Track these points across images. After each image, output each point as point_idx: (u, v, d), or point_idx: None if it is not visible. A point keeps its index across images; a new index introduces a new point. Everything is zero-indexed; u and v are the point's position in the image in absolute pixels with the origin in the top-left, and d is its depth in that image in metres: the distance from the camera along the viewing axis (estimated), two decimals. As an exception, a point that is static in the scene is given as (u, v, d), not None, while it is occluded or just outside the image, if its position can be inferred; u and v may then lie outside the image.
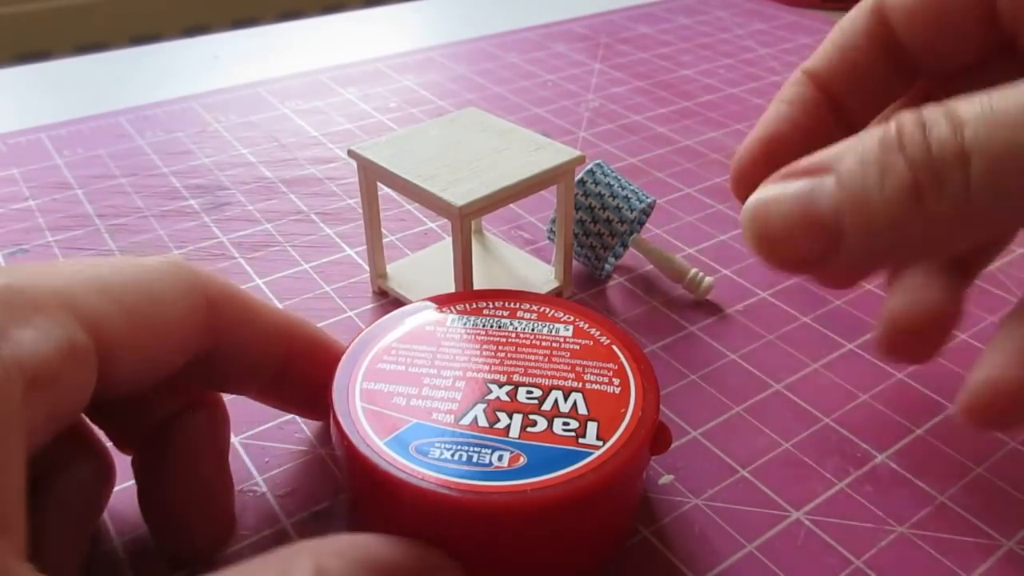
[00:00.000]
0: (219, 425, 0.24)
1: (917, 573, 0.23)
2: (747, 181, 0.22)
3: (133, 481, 0.23)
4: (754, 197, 0.18)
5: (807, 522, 0.25)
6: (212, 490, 0.23)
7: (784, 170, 0.18)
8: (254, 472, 0.26)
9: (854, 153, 0.16)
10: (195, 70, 0.57)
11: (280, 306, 0.25)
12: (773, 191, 0.17)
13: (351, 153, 0.31)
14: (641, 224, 0.36)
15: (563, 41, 0.62)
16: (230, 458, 0.24)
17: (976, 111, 0.15)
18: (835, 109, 0.23)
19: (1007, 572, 0.23)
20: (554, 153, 0.31)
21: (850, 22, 0.22)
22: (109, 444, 0.24)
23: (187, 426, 0.23)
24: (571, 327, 0.26)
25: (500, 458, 0.21)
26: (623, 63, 0.58)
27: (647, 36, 0.64)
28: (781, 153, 0.22)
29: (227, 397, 0.29)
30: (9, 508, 0.15)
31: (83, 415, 0.22)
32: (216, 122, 0.49)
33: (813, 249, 0.17)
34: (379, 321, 0.26)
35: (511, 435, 0.21)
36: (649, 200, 0.34)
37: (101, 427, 0.23)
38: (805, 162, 0.17)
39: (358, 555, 0.18)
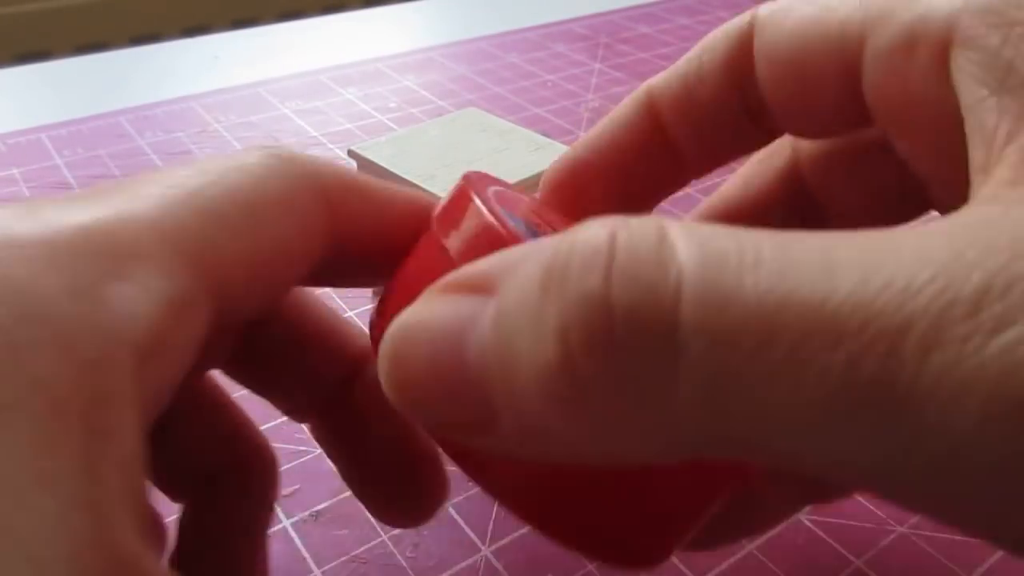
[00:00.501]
0: (262, 498, 0.20)
1: (917, 573, 0.23)
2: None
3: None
4: (398, 320, 0.12)
5: (807, 522, 0.25)
6: (418, 437, 0.19)
7: (446, 278, 0.12)
8: (254, 472, 0.26)
9: (522, 272, 0.11)
10: (195, 70, 0.57)
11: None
12: (420, 313, 0.12)
13: (351, 153, 0.31)
14: (641, 224, 0.36)
15: (563, 41, 0.62)
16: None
17: (714, 257, 0.10)
18: (671, 147, 0.18)
19: (1007, 572, 0.23)
20: (554, 153, 0.31)
21: (710, 46, 0.18)
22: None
23: (231, 490, 0.19)
24: None
25: None
26: (623, 63, 0.58)
27: (647, 36, 0.64)
28: (591, 188, 0.18)
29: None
30: (137, 498, 0.12)
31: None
32: (216, 122, 0.49)
33: (460, 414, 0.12)
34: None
35: None
36: (649, 200, 0.34)
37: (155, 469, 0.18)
38: (471, 271, 0.12)
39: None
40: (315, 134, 0.48)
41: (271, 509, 0.20)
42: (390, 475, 0.19)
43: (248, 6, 1.52)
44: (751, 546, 0.24)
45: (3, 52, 1.32)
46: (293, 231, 0.16)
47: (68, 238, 0.12)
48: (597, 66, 0.58)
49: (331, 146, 0.46)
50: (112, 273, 0.12)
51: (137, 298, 0.13)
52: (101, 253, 0.13)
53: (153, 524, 0.16)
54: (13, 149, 0.46)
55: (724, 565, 0.23)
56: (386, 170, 0.30)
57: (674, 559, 0.23)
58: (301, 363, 0.19)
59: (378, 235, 0.18)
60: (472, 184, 0.16)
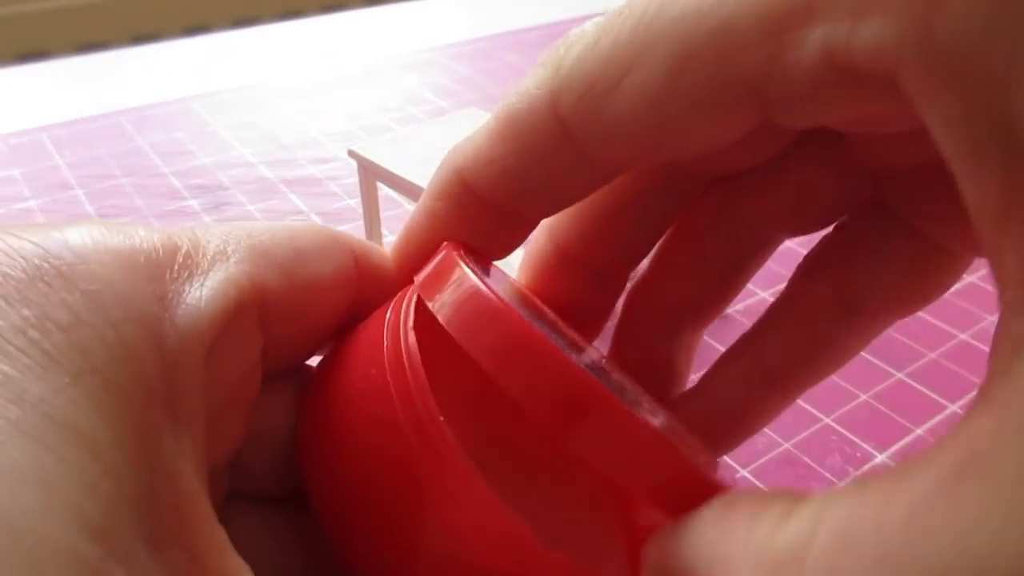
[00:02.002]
0: None
1: (917, 573, 0.23)
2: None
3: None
4: None
5: (807, 522, 0.25)
6: None
7: None
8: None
9: None
10: (195, 70, 0.57)
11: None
12: None
13: (351, 153, 0.31)
14: (641, 224, 0.36)
15: (563, 41, 0.62)
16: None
17: None
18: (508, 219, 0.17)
19: (1007, 572, 0.23)
20: (554, 153, 0.31)
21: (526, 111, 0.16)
22: None
23: None
24: None
25: None
26: (623, 63, 0.58)
27: (647, 36, 0.64)
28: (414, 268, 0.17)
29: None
30: (202, 467, 0.14)
31: None
32: (216, 122, 0.49)
33: None
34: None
35: None
36: (649, 200, 0.34)
37: None
38: None
39: None
40: (315, 134, 0.48)
41: None
42: None
43: (248, 6, 1.52)
44: (751, 546, 0.24)
45: (3, 52, 1.32)
46: (327, 280, 0.17)
47: (149, 248, 0.14)
48: (597, 66, 0.58)
49: (331, 146, 0.46)
50: (185, 278, 0.14)
51: (210, 297, 0.14)
52: (171, 262, 0.14)
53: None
54: (14, 149, 0.46)
55: (724, 565, 0.23)
56: (386, 170, 0.30)
57: (674, 559, 0.23)
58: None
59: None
60: (453, 251, 0.15)
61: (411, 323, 0.14)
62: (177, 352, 0.13)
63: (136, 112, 0.50)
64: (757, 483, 0.26)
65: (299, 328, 0.17)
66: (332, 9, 1.55)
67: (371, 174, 0.31)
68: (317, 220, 0.39)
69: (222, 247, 0.16)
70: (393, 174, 0.30)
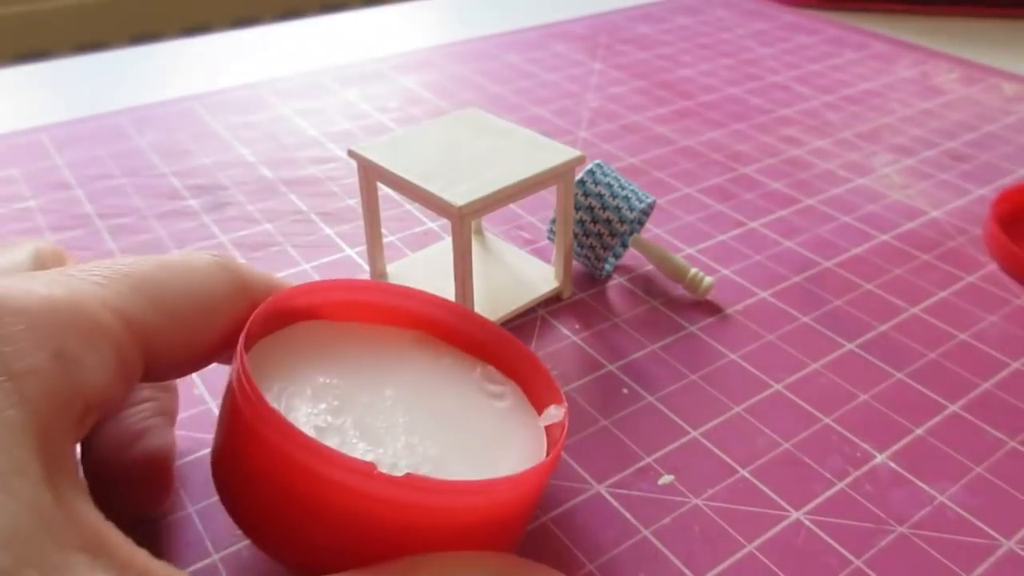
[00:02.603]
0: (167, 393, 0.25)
1: (917, 573, 0.23)
2: None
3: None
4: None
5: (807, 522, 0.25)
6: (149, 450, 0.23)
7: None
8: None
9: None
10: (195, 70, 0.57)
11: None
12: None
13: (351, 153, 0.31)
14: (641, 224, 0.36)
15: (563, 41, 0.62)
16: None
17: None
18: None
19: (1007, 572, 0.23)
20: (554, 153, 0.31)
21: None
22: None
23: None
24: None
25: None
26: (623, 63, 0.58)
27: (647, 36, 0.64)
28: None
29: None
30: (83, 490, 0.17)
31: None
32: (216, 122, 0.49)
33: None
34: None
35: None
36: (649, 200, 0.34)
37: None
38: None
39: (489, 567, 0.18)
40: (315, 134, 0.48)
41: None
42: (120, 477, 0.23)
43: (248, 6, 1.51)
44: (751, 546, 0.24)
45: (3, 52, 1.32)
46: (219, 323, 0.21)
47: (48, 309, 0.17)
48: (597, 66, 0.58)
49: (331, 146, 0.46)
50: (85, 344, 0.18)
51: (97, 366, 0.18)
52: (77, 327, 0.18)
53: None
54: (13, 149, 0.46)
55: (724, 565, 0.23)
56: (386, 170, 0.30)
57: (674, 559, 0.23)
58: None
59: None
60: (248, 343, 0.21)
61: (244, 347, 0.20)
62: (62, 401, 0.17)
63: (136, 112, 0.50)
64: (757, 483, 0.26)
65: (182, 355, 0.21)
66: (332, 9, 1.55)
67: (371, 174, 0.31)
68: (317, 220, 0.39)
69: (112, 298, 0.19)
70: (393, 174, 0.30)
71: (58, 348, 0.17)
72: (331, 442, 0.20)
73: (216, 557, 0.23)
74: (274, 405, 0.20)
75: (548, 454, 0.23)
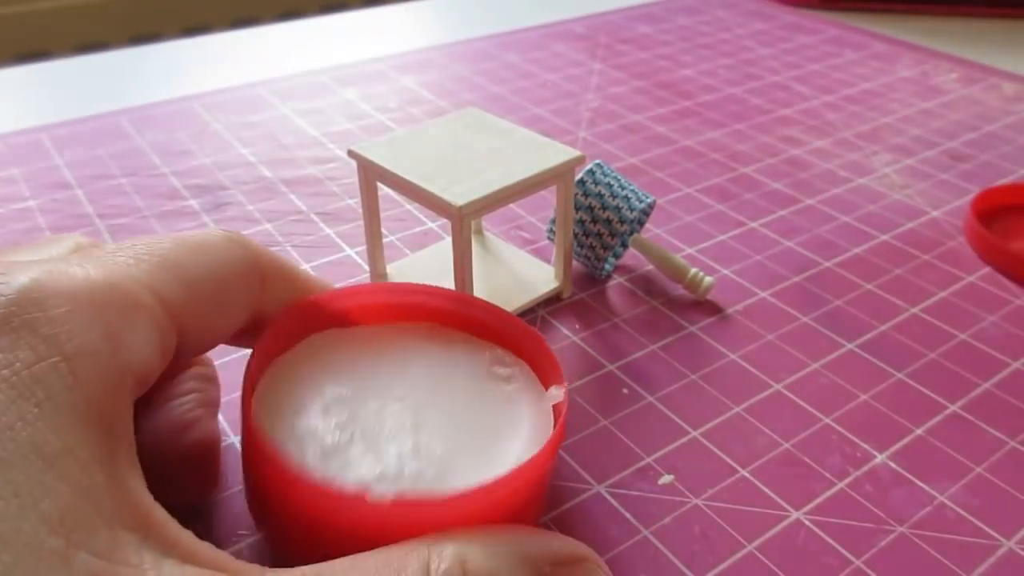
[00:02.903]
0: (207, 379, 0.25)
1: (917, 573, 0.23)
2: None
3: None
4: None
5: (807, 522, 0.25)
6: (197, 440, 0.24)
7: None
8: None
9: None
10: (195, 70, 0.57)
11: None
12: None
13: (351, 153, 0.31)
14: (641, 224, 0.36)
15: (563, 41, 0.62)
16: (230, 452, 0.24)
17: None
18: None
19: (1007, 572, 0.23)
20: (554, 153, 0.31)
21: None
22: None
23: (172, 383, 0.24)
24: None
25: None
26: (623, 63, 0.58)
27: (647, 36, 0.64)
28: None
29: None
30: (134, 468, 0.17)
31: None
32: (216, 122, 0.49)
33: None
34: None
35: None
36: (649, 200, 0.34)
37: None
38: None
39: (503, 546, 0.18)
40: (315, 134, 0.48)
41: None
42: (169, 467, 0.24)
43: (248, 6, 1.51)
44: (751, 546, 0.24)
45: (3, 52, 1.32)
46: (234, 296, 0.22)
47: (93, 292, 0.18)
48: (597, 66, 0.58)
49: (331, 146, 0.46)
50: (126, 324, 0.18)
51: (142, 345, 0.18)
52: (116, 305, 0.18)
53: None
54: (13, 149, 0.46)
55: (724, 565, 0.23)
56: (386, 170, 0.30)
57: (674, 559, 0.23)
58: None
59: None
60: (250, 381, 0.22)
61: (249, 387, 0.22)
62: (116, 380, 0.17)
63: (136, 112, 0.50)
64: (757, 483, 0.26)
65: (204, 336, 0.21)
66: (332, 9, 1.55)
67: (371, 174, 0.31)
68: (317, 220, 0.39)
69: (145, 277, 0.19)
70: (393, 174, 0.30)
71: (107, 327, 0.17)
72: (335, 462, 0.21)
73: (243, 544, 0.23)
74: (287, 424, 0.22)
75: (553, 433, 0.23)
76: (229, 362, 0.30)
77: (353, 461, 0.22)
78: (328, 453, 0.22)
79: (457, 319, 0.26)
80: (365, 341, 0.26)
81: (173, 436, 0.23)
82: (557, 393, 0.24)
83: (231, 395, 0.28)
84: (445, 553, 0.17)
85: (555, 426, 0.23)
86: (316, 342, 0.25)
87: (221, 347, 0.28)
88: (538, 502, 0.23)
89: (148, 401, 0.24)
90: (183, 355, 0.21)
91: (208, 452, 0.24)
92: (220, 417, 0.28)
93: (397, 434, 0.23)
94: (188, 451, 0.23)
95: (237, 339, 0.24)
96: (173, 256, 0.20)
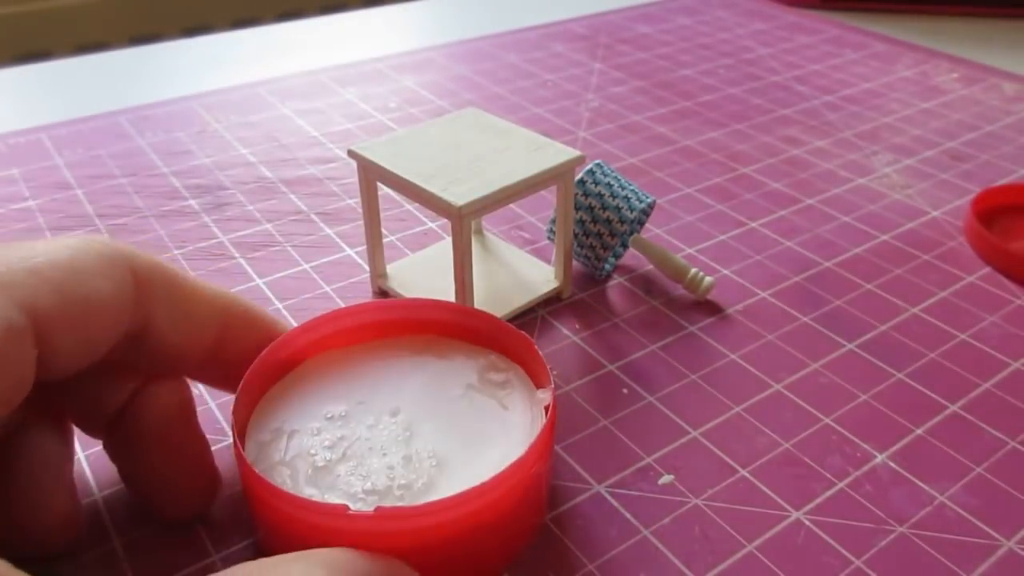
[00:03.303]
0: (179, 394, 0.23)
1: (917, 573, 0.23)
2: None
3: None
4: None
5: (807, 522, 0.25)
6: (184, 454, 0.23)
7: None
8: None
9: None
10: (195, 70, 0.57)
11: (215, 292, 0.25)
12: None
13: (351, 153, 0.31)
14: (641, 224, 0.36)
15: (563, 41, 0.62)
16: (225, 456, 0.24)
17: None
18: None
19: (1007, 572, 0.23)
20: (554, 153, 0.31)
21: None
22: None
23: (146, 401, 0.23)
24: None
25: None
26: (623, 63, 0.58)
27: (647, 36, 0.64)
28: None
29: (223, 396, 0.29)
30: None
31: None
32: (216, 122, 0.49)
33: None
34: None
35: None
36: (649, 200, 0.34)
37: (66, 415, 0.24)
38: None
39: (341, 565, 0.19)
40: (315, 134, 0.48)
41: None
42: (165, 474, 0.23)
43: (248, 6, 1.51)
44: (751, 546, 0.24)
45: (3, 52, 1.32)
46: (103, 296, 0.20)
47: None
48: (597, 66, 0.58)
49: (331, 146, 0.46)
50: None
51: None
52: None
53: None
54: (13, 149, 0.46)
55: (724, 565, 0.23)
56: (386, 170, 0.30)
57: (674, 559, 0.23)
58: (88, 395, 0.23)
59: (183, 317, 0.23)
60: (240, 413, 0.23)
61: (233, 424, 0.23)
62: None
63: (136, 112, 0.50)
64: (757, 483, 0.26)
65: (75, 340, 0.20)
66: (332, 9, 1.55)
67: (371, 174, 0.31)
68: (317, 220, 0.39)
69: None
70: (393, 174, 0.30)
71: None
72: (325, 481, 0.22)
73: (216, 557, 0.23)
74: (280, 447, 0.23)
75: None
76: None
77: (342, 478, 0.22)
78: (319, 472, 0.22)
79: (454, 329, 0.27)
80: (363, 358, 0.26)
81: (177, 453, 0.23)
82: (544, 396, 0.24)
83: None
84: (294, 570, 0.18)
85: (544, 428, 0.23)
86: (316, 363, 0.26)
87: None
88: (532, 504, 0.23)
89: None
90: (56, 364, 0.20)
91: (68, 524, 0.22)
92: (219, 416, 0.28)
93: (389, 447, 0.23)
94: (188, 468, 0.24)
95: (199, 370, 0.24)
96: (26, 254, 0.20)
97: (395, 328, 0.27)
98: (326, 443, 0.23)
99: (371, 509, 0.20)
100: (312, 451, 0.23)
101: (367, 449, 0.23)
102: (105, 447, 0.24)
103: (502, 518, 0.22)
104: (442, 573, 0.21)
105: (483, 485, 0.20)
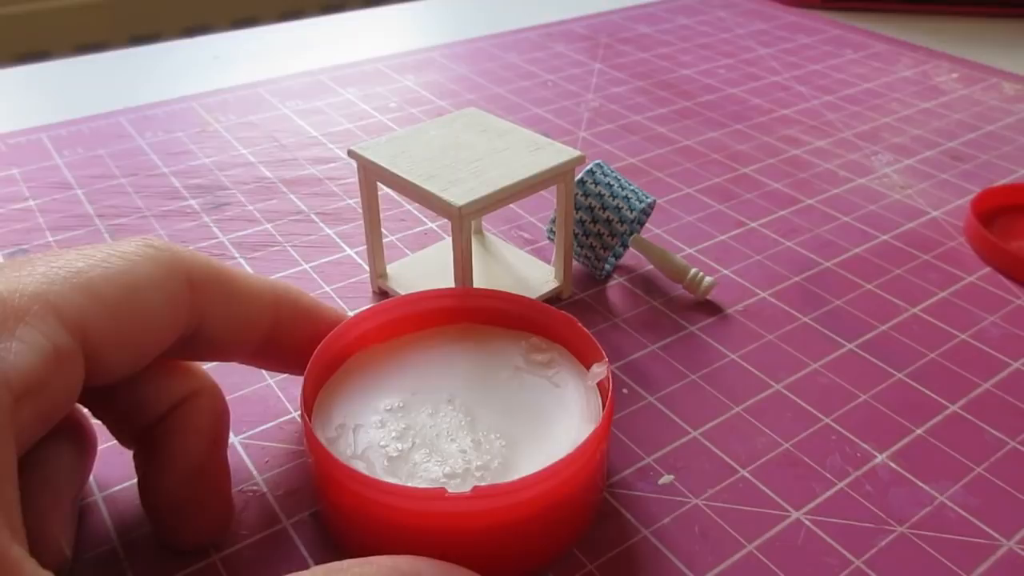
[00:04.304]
0: (215, 415, 0.23)
1: (917, 573, 0.23)
2: None
3: (135, 480, 0.23)
4: None
5: (807, 522, 0.25)
6: (207, 478, 0.23)
7: None
8: (254, 472, 0.26)
9: None
10: (195, 70, 0.57)
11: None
12: None
13: (351, 153, 0.31)
14: (641, 224, 0.36)
15: (563, 41, 0.62)
16: (231, 456, 0.24)
17: None
18: None
19: (1007, 572, 0.23)
20: (554, 153, 0.31)
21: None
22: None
23: (183, 416, 0.22)
24: None
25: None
26: (623, 63, 0.58)
27: (647, 36, 0.64)
28: None
29: (229, 397, 0.29)
30: (5, 498, 0.16)
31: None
32: (216, 122, 0.49)
33: None
34: None
35: None
36: (649, 200, 0.34)
37: (102, 421, 0.23)
38: None
39: (405, 570, 0.19)
40: (315, 134, 0.48)
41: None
42: (181, 497, 0.22)
43: (248, 6, 1.51)
44: (751, 546, 0.24)
45: (3, 52, 1.32)
46: (156, 308, 0.20)
47: None
48: (597, 66, 0.58)
49: (331, 146, 0.46)
50: (2, 333, 0.17)
51: (21, 351, 0.17)
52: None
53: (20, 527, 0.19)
54: (13, 149, 0.46)
55: (724, 565, 0.23)
56: (386, 170, 0.30)
57: (674, 559, 0.23)
58: (130, 400, 0.22)
59: (237, 314, 0.23)
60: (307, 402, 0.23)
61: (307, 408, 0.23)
62: None
63: (136, 112, 0.50)
64: (757, 483, 0.26)
65: (126, 353, 0.20)
66: (332, 9, 1.55)
67: (371, 174, 0.31)
68: (317, 220, 0.39)
69: (43, 290, 0.18)
70: (393, 174, 0.30)
71: None
72: (403, 470, 0.23)
73: (217, 556, 0.23)
74: (348, 441, 0.23)
75: (603, 409, 0.24)
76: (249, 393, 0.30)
77: (420, 465, 0.23)
78: (394, 462, 0.23)
79: (490, 314, 0.28)
80: (404, 352, 0.27)
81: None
82: (600, 370, 0.25)
83: (255, 419, 0.29)
84: None
85: (604, 402, 0.24)
86: (360, 360, 0.26)
87: (238, 376, 0.29)
88: (601, 475, 0.24)
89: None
90: (105, 374, 0.20)
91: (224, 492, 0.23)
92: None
93: (455, 433, 0.24)
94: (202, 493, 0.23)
95: (251, 359, 0.25)
96: (74, 268, 0.19)
97: (431, 319, 0.28)
98: (393, 434, 0.24)
99: (464, 491, 0.20)
100: (382, 443, 0.23)
101: (434, 436, 0.24)
102: (135, 457, 0.23)
103: (581, 491, 0.23)
104: (528, 548, 0.22)
105: (569, 457, 0.21)
